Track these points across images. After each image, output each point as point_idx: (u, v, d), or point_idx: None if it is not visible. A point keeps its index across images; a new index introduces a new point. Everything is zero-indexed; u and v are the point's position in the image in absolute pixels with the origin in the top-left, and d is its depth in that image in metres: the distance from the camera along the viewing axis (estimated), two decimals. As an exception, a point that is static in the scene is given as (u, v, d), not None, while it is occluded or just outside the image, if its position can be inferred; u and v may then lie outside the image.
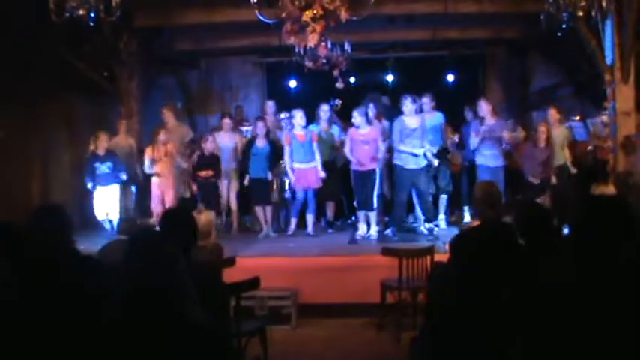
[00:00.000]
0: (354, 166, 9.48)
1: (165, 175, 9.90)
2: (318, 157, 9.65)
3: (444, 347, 3.39)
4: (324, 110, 10.21)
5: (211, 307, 3.18)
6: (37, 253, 3.08)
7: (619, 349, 2.35)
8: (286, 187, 10.36)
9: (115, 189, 10.20)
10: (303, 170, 9.65)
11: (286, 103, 11.34)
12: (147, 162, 9.89)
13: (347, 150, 9.54)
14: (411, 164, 9.33)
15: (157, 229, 4.86)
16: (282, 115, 10.70)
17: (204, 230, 5.19)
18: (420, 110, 9.60)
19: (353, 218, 10.45)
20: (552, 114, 10.02)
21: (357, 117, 9.40)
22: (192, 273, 2.68)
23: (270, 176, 10.09)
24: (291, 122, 9.92)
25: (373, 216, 9.54)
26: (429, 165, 9.46)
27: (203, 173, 9.99)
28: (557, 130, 9.86)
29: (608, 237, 2.50)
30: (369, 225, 9.54)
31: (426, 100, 9.88)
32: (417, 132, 9.33)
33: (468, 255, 3.67)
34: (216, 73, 13.86)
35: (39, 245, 3.17)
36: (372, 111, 10.07)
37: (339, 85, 8.53)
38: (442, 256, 6.29)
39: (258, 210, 10.14)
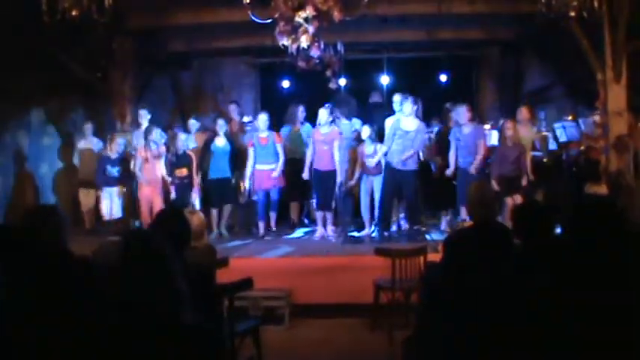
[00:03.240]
0: (315, 166, 9.57)
1: (152, 180, 9.81)
2: (282, 158, 9.80)
3: (437, 347, 3.39)
4: (302, 110, 10.41)
5: (205, 308, 3.18)
6: (30, 254, 3.07)
7: (615, 349, 2.36)
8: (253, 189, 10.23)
9: (116, 190, 10.18)
10: (264, 171, 9.76)
11: (279, 103, 11.34)
12: (138, 162, 9.87)
13: (309, 152, 9.70)
14: (399, 165, 9.29)
15: (150, 229, 4.84)
16: (246, 119, 10.81)
17: (197, 231, 5.18)
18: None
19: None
20: (523, 112, 9.90)
21: (323, 116, 9.48)
22: (185, 274, 2.68)
23: (230, 175, 10.14)
24: (255, 126, 10.10)
25: (330, 216, 9.67)
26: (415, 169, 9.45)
27: (178, 172, 9.90)
28: (524, 130, 9.68)
29: (600, 237, 2.51)
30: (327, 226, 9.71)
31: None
32: (409, 135, 9.28)
33: (462, 255, 3.67)
34: (208, 73, 13.83)
35: (33, 246, 3.16)
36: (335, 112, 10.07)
37: (332, 85, 8.54)
38: (435, 256, 6.32)
39: (214, 211, 10.16)
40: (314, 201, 10.04)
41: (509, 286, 3.07)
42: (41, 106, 11.66)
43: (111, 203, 10.10)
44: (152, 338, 2.45)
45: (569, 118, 11.13)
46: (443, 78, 12.97)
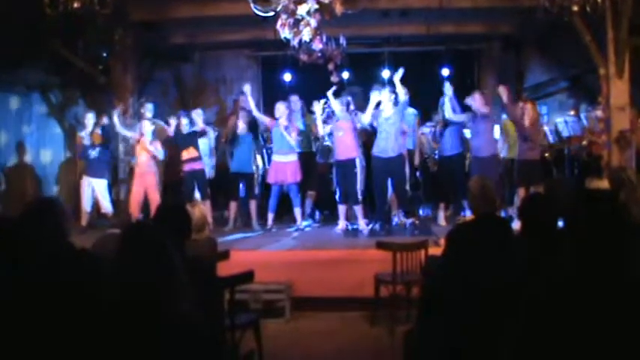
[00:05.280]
0: (334, 157, 9.45)
1: (146, 172, 9.80)
2: (295, 134, 9.69)
3: (438, 340, 3.40)
4: (294, 101, 10.27)
5: (205, 301, 3.18)
6: (31, 247, 3.07)
7: (615, 347, 2.36)
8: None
9: (102, 183, 10.12)
10: (282, 163, 9.62)
11: (281, 96, 11.32)
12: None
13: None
14: (384, 153, 9.14)
15: (149, 222, 4.83)
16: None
17: (198, 224, 5.18)
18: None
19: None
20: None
21: (335, 105, 9.37)
22: (185, 267, 2.68)
23: (252, 169, 10.10)
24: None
25: (358, 210, 9.50)
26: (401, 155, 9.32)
27: (185, 154, 9.86)
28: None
29: (602, 232, 2.51)
30: (350, 219, 9.56)
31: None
32: (389, 121, 9.14)
33: (464, 249, 3.67)
34: (210, 66, 13.84)
35: (34, 239, 3.16)
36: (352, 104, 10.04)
37: (334, 78, 8.53)
38: (436, 250, 6.31)
39: (233, 205, 10.18)
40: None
41: (510, 280, 3.07)
42: (43, 99, 11.67)
43: (93, 195, 10.09)
44: (152, 331, 2.45)
45: (571, 112, 11.13)
46: (444, 72, 12.93)
